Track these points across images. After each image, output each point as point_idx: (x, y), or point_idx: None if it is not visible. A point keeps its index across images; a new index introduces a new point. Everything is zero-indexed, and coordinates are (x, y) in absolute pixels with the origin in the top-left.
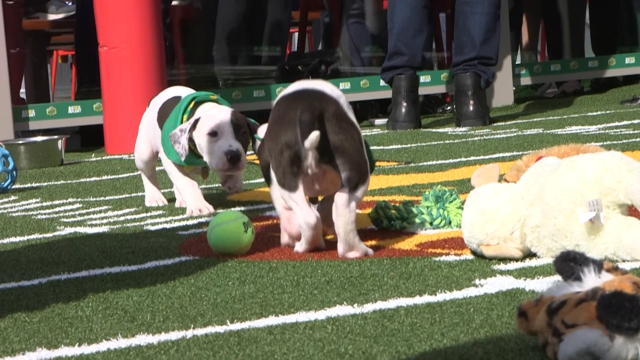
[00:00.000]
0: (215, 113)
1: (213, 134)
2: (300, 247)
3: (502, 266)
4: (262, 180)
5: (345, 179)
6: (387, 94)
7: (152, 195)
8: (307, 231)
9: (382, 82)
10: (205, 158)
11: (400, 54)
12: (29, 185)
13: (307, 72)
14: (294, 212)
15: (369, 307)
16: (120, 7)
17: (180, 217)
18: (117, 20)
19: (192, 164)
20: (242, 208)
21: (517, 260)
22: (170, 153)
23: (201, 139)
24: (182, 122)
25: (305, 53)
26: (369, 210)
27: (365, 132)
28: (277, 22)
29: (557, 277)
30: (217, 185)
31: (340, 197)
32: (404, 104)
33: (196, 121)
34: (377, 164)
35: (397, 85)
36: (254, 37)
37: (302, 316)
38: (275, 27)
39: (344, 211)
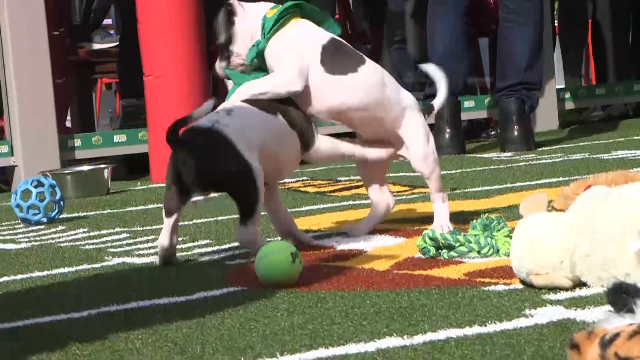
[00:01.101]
0: None
1: None
2: None
3: (552, 296)
4: (308, 207)
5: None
6: (430, 119)
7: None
8: None
9: None
10: None
11: None
12: (76, 214)
13: None
14: None
15: (418, 339)
16: (164, 36)
17: (227, 246)
18: (161, 50)
19: None
20: (288, 237)
21: (567, 289)
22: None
23: None
24: None
25: None
26: (416, 239)
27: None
28: None
29: (609, 307)
30: None
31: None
32: (447, 129)
33: None
34: (422, 190)
35: (439, 112)
36: None
37: (352, 348)
38: None
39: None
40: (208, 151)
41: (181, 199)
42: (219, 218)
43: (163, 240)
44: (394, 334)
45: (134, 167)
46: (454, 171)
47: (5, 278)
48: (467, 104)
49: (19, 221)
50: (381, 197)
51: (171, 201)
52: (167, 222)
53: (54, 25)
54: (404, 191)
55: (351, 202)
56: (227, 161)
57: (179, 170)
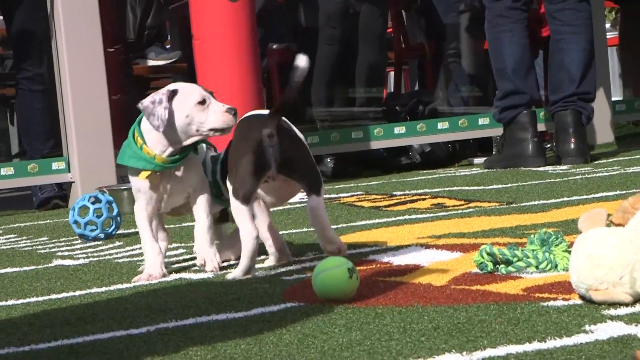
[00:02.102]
0: (189, 85)
1: (202, 102)
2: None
3: (612, 311)
4: (364, 222)
5: (308, 186)
6: (485, 133)
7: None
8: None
9: (480, 121)
10: (194, 128)
11: (520, 93)
12: (133, 230)
13: (405, 112)
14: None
15: (478, 355)
16: (218, 54)
17: (284, 262)
18: (216, 67)
19: (162, 167)
20: (346, 252)
21: (627, 305)
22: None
23: (188, 109)
24: (133, 137)
25: (402, 94)
26: (473, 254)
27: (464, 172)
28: (373, 64)
29: None
30: None
31: (314, 202)
32: (535, 139)
33: (172, 92)
34: (479, 204)
35: (523, 122)
36: (350, 79)
37: None
38: (371, 68)
39: (322, 213)
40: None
41: (257, 185)
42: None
43: (250, 229)
44: (453, 350)
45: None
46: (509, 185)
47: (64, 294)
48: None
49: (77, 237)
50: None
51: (251, 188)
52: (246, 211)
53: (110, 43)
54: (460, 205)
55: (406, 217)
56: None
57: (264, 156)
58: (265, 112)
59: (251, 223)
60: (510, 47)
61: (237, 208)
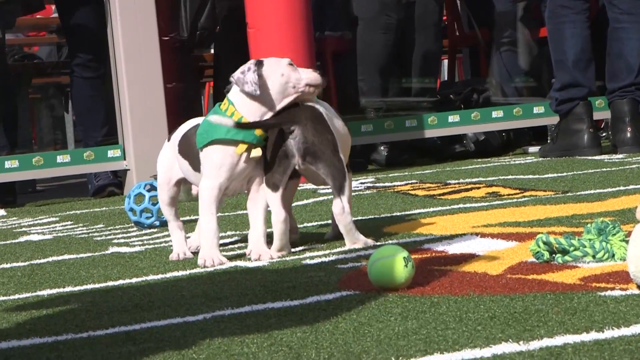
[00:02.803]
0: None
1: (291, 64)
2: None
3: None
4: (418, 211)
5: (331, 182)
6: (540, 121)
7: (180, 247)
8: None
9: (535, 110)
10: (291, 85)
11: (578, 86)
12: (188, 218)
13: (459, 101)
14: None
15: (534, 344)
16: (273, 41)
17: (339, 249)
18: (271, 54)
19: (259, 141)
20: (401, 241)
21: None
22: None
23: (282, 69)
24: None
25: (457, 82)
26: (529, 243)
27: (519, 160)
28: (428, 53)
29: None
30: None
31: (336, 206)
32: (590, 130)
33: (259, 61)
34: (534, 193)
35: (580, 113)
36: (405, 68)
37: (467, 353)
38: (426, 57)
39: (342, 217)
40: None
41: (284, 173)
42: (329, 222)
43: (279, 212)
44: (510, 340)
45: None
46: (565, 174)
47: (120, 281)
48: None
49: (133, 225)
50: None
51: (278, 176)
52: (275, 197)
53: (165, 31)
54: (515, 194)
55: (461, 206)
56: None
57: (287, 147)
58: None
59: (280, 207)
60: (572, 38)
61: (268, 195)
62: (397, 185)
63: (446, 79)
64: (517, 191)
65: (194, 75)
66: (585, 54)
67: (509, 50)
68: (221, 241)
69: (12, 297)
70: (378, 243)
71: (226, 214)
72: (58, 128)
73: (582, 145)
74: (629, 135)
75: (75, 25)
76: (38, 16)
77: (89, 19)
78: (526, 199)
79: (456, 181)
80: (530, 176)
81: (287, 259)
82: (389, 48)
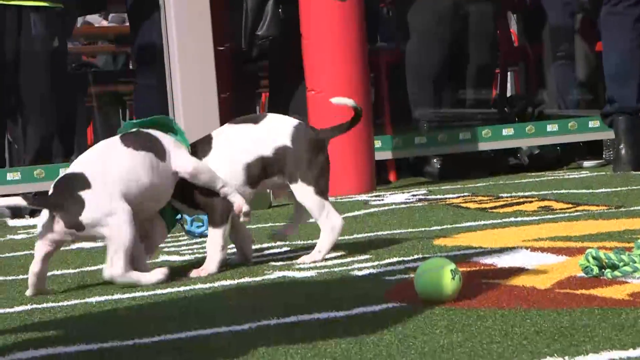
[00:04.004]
0: None
1: None
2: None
3: None
4: (469, 224)
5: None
6: (595, 136)
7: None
8: None
9: (590, 124)
10: None
11: (613, 101)
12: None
13: (514, 114)
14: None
15: None
16: (327, 52)
17: (387, 262)
18: (324, 65)
19: None
20: (450, 254)
21: None
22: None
23: None
24: None
25: (512, 95)
26: (579, 258)
27: (573, 175)
28: (483, 65)
29: None
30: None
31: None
32: (624, 146)
33: None
34: (587, 208)
35: (621, 128)
36: (459, 80)
37: None
38: (480, 69)
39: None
40: None
41: None
42: (379, 233)
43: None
44: (555, 354)
45: None
46: (619, 188)
47: (169, 289)
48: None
49: (183, 234)
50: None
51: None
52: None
53: (220, 41)
54: (567, 209)
55: (512, 219)
56: None
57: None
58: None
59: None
60: (611, 52)
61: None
62: (449, 198)
63: (499, 92)
64: (570, 205)
65: (249, 86)
66: (624, 69)
67: (564, 63)
68: (270, 251)
69: (61, 303)
70: (426, 255)
71: (277, 224)
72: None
73: (622, 161)
74: None
75: (141, 34)
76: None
77: (155, 28)
78: (579, 213)
79: (509, 195)
80: (584, 190)
81: (335, 269)
82: (443, 60)
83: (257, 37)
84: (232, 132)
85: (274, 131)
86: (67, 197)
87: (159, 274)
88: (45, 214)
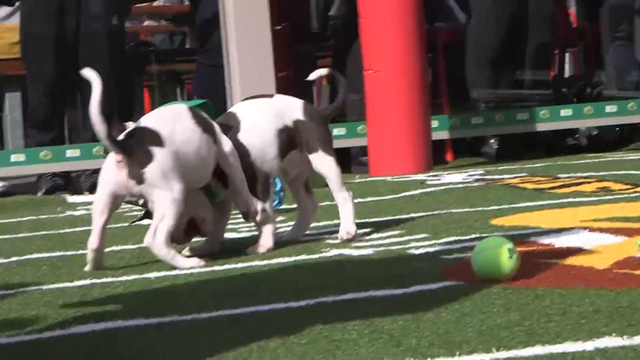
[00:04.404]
0: None
1: None
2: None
3: None
4: (526, 204)
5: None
6: None
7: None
8: None
9: None
10: None
11: None
12: (295, 206)
13: (572, 95)
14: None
15: (638, 339)
16: (385, 31)
17: (444, 240)
18: (382, 45)
19: None
20: (507, 233)
21: None
22: None
23: None
24: None
25: (570, 76)
26: (637, 238)
27: (633, 156)
28: (541, 45)
29: None
30: None
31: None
32: None
33: None
34: None
35: None
36: (517, 61)
37: (569, 346)
38: (539, 50)
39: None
40: None
41: None
42: (436, 212)
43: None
44: (613, 334)
45: (346, 159)
46: None
47: (226, 266)
48: None
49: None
50: (307, 201)
51: None
52: None
53: (277, 20)
54: (626, 189)
55: (570, 200)
56: None
57: None
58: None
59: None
60: None
61: None
62: (506, 178)
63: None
64: (629, 186)
65: (306, 65)
66: None
67: (623, 44)
68: (326, 229)
69: (120, 278)
70: (484, 235)
71: (332, 203)
72: None
73: None
74: None
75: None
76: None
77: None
78: (638, 194)
79: (567, 175)
80: None
81: (392, 248)
82: (502, 40)
83: (329, 18)
84: (254, 105)
85: (288, 105)
86: (139, 147)
87: (195, 262)
88: (108, 165)
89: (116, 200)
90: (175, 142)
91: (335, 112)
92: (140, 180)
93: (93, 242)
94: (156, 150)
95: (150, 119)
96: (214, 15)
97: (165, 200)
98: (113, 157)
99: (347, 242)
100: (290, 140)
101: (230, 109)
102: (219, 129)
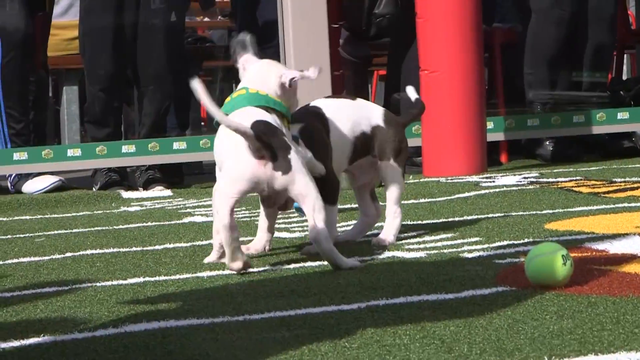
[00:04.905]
0: None
1: None
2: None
3: None
4: (581, 208)
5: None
6: None
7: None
8: None
9: None
10: None
11: None
12: (348, 206)
13: (629, 97)
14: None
15: None
16: (442, 31)
17: (497, 244)
18: (439, 45)
19: None
20: (561, 238)
21: None
22: None
23: None
24: None
25: (628, 78)
26: None
27: None
28: (601, 46)
29: None
30: None
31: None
32: None
33: None
34: None
35: None
36: (575, 62)
37: (622, 356)
38: (598, 51)
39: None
40: None
41: None
42: (489, 215)
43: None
44: None
45: None
46: None
47: (279, 266)
48: None
49: (294, 210)
50: (371, 208)
51: None
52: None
53: (334, 18)
54: None
55: (626, 205)
56: None
57: None
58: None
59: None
60: None
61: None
62: (561, 182)
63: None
64: None
65: (362, 64)
66: None
67: None
68: (377, 231)
69: (172, 277)
70: (537, 239)
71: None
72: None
73: None
74: None
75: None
76: None
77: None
78: None
79: (622, 179)
80: None
81: (445, 251)
82: (561, 41)
83: (375, 16)
84: (338, 105)
85: (369, 111)
86: (277, 139)
87: (354, 262)
88: (248, 163)
89: (244, 196)
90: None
91: (412, 120)
92: (286, 169)
93: (225, 222)
94: (287, 140)
95: (247, 114)
96: (270, 12)
97: (310, 189)
98: (250, 153)
99: (377, 248)
100: (365, 145)
101: (315, 104)
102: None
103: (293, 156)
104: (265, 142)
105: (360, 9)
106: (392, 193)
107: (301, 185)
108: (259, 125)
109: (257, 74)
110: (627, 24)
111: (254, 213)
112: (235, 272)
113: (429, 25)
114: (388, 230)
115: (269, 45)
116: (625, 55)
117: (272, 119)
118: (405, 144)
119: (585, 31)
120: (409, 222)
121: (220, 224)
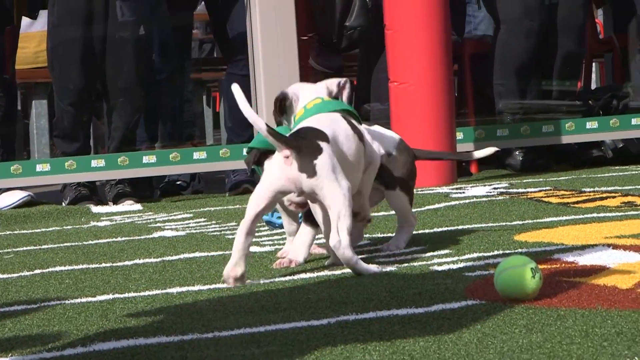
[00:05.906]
0: None
1: None
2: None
3: None
4: (550, 219)
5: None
6: None
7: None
8: None
9: None
10: None
11: None
12: None
13: (598, 107)
14: None
15: None
16: (411, 43)
17: (467, 257)
18: (408, 56)
19: None
20: (531, 250)
21: None
22: None
23: None
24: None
25: (597, 88)
26: None
27: None
28: (570, 56)
29: None
30: None
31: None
32: None
33: None
34: None
35: None
36: (544, 72)
37: None
38: (567, 61)
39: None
40: None
41: None
42: (459, 227)
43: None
44: (636, 357)
45: None
46: None
47: (249, 281)
48: None
49: (264, 224)
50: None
51: None
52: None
53: (303, 30)
54: None
55: (595, 215)
56: None
57: None
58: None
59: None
60: None
61: None
62: (531, 192)
63: (583, 84)
64: None
65: (334, 75)
66: None
67: None
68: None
69: (142, 293)
70: (507, 251)
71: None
72: (197, 124)
73: None
74: None
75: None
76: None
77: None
78: None
79: (591, 189)
80: None
81: (415, 264)
82: (530, 52)
83: (346, 28)
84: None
85: (384, 137)
86: (307, 141)
87: (376, 268)
88: (275, 162)
89: (276, 198)
90: (337, 143)
91: (426, 159)
92: (311, 173)
93: (246, 228)
94: (324, 145)
95: (310, 122)
96: (240, 24)
97: (337, 195)
98: (279, 154)
99: (389, 255)
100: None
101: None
102: (367, 136)
103: (321, 160)
104: (289, 143)
105: (332, 22)
106: (399, 217)
107: (328, 191)
108: (294, 132)
109: (318, 88)
110: (596, 34)
111: (224, 227)
112: (225, 284)
113: (397, 37)
114: (399, 237)
115: (239, 58)
116: (593, 65)
117: (346, 121)
118: (414, 174)
119: (555, 41)
120: (378, 235)
121: (241, 225)
